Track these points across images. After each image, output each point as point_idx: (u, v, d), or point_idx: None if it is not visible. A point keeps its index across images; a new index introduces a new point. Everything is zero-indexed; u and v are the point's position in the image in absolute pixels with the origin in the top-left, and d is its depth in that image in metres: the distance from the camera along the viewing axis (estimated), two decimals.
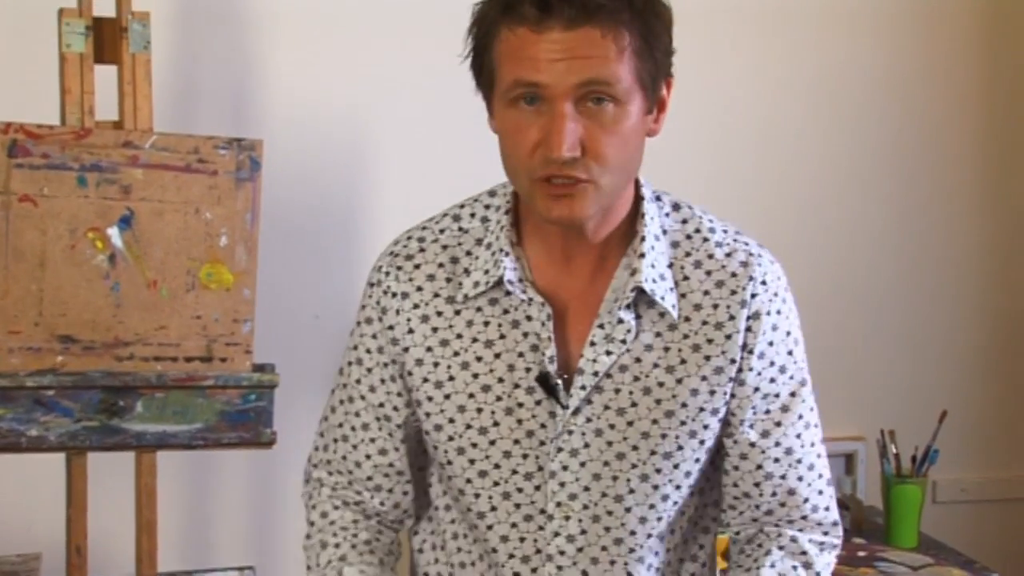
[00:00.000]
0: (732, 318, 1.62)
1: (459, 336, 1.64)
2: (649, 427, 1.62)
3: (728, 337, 1.62)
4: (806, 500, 1.70)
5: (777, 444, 1.67)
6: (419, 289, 1.66)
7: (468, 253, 1.65)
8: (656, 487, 1.64)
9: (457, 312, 1.64)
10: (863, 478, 2.97)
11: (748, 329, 1.62)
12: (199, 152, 2.27)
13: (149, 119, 2.29)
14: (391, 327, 1.67)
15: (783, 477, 1.68)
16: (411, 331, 1.66)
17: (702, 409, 1.63)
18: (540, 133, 1.49)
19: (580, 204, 1.51)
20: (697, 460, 1.65)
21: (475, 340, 1.63)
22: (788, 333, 1.67)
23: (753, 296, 1.63)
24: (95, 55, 2.28)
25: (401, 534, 1.80)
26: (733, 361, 1.62)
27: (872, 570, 2.61)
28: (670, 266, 1.63)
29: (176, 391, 2.28)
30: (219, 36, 2.64)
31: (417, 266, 1.67)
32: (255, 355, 2.30)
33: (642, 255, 1.60)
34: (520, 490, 1.64)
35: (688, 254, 1.64)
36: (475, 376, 1.63)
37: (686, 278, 1.63)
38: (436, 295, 1.65)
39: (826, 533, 1.73)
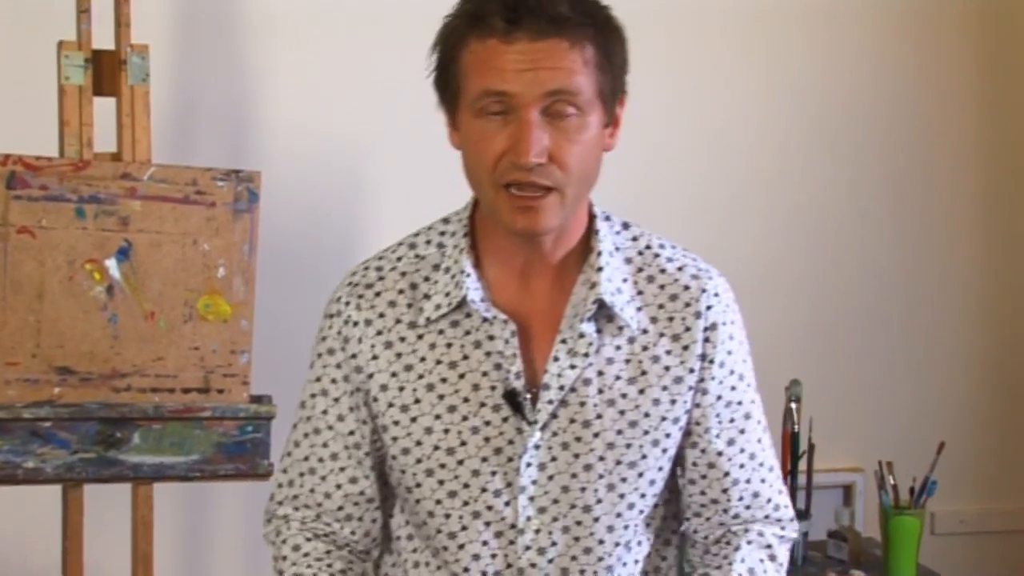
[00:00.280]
0: (688, 329, 1.67)
1: (423, 359, 1.67)
2: (614, 438, 1.66)
3: (685, 348, 1.67)
4: (769, 500, 1.76)
5: (742, 450, 1.73)
6: (381, 316, 1.69)
7: (426, 279, 1.69)
8: (622, 496, 1.67)
9: (420, 336, 1.67)
10: (861, 509, 2.96)
11: (707, 340, 1.68)
12: (197, 184, 2.28)
13: (147, 151, 2.30)
14: (354, 355, 1.70)
15: (748, 481, 1.74)
16: (375, 357, 1.69)
17: (664, 418, 1.67)
18: (507, 142, 1.54)
19: (545, 215, 1.56)
20: (660, 468, 1.70)
21: (439, 362, 1.67)
22: (741, 342, 1.73)
23: (708, 308, 1.69)
24: (94, 87, 2.29)
25: (368, 566, 1.81)
26: (692, 371, 1.68)
27: None
28: (625, 281, 1.68)
29: (173, 423, 2.28)
30: (217, 68, 2.65)
31: (377, 294, 1.70)
32: (252, 386, 2.30)
33: (600, 268, 1.65)
34: (490, 507, 1.67)
35: (641, 269, 1.69)
36: (440, 397, 1.66)
37: (640, 292, 1.68)
38: (398, 321, 1.69)
39: (784, 528, 1.78)
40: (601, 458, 1.65)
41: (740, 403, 1.72)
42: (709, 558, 1.76)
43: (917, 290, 3.05)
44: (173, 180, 2.27)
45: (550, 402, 1.64)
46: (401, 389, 1.68)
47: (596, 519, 1.67)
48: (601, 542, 1.68)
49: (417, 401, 1.67)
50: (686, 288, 1.69)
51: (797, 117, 2.95)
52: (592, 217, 1.69)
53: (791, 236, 2.97)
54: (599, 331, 1.65)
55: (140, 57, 2.32)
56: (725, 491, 1.73)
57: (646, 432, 1.67)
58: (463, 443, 1.65)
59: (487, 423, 1.65)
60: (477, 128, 1.56)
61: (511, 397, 1.64)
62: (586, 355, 1.64)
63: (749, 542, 1.74)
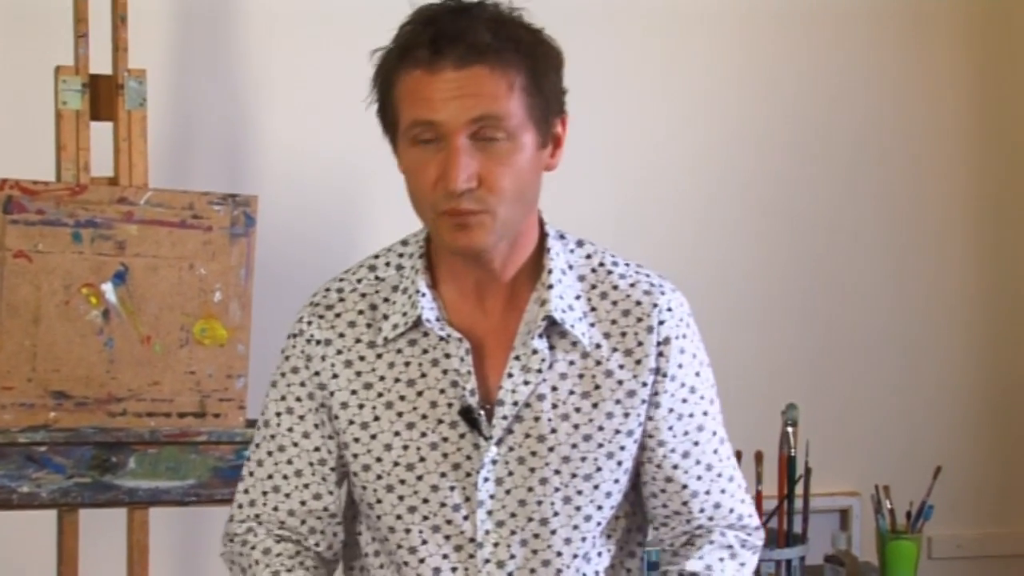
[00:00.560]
0: (640, 343, 1.71)
1: (382, 378, 1.71)
2: (569, 451, 1.69)
3: (638, 362, 1.71)
4: (731, 510, 1.80)
5: (698, 462, 1.76)
6: (341, 336, 1.73)
7: (386, 300, 1.73)
8: (579, 508, 1.71)
9: (379, 355, 1.71)
10: (858, 534, 2.96)
11: (660, 354, 1.71)
12: (194, 208, 2.28)
13: (144, 175, 2.30)
14: (317, 373, 1.74)
15: (708, 492, 1.77)
16: (335, 376, 1.73)
17: (618, 431, 1.71)
18: (439, 169, 1.59)
19: (479, 233, 1.60)
20: (616, 481, 1.72)
21: (397, 380, 1.70)
22: (695, 355, 1.76)
23: (661, 323, 1.72)
24: (91, 112, 2.29)
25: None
26: (644, 384, 1.71)
27: None
28: (578, 298, 1.71)
29: (169, 447, 2.27)
30: (214, 92, 2.65)
31: (338, 314, 1.74)
32: (248, 411, 2.30)
33: (550, 286, 1.69)
34: (449, 522, 1.70)
35: (594, 286, 1.73)
36: (399, 415, 1.70)
37: (594, 308, 1.72)
38: (358, 340, 1.72)
39: (749, 535, 1.82)
40: (557, 471, 1.69)
41: (692, 415, 1.75)
42: (674, 560, 1.80)
43: (913, 314, 3.06)
44: (170, 204, 2.27)
45: (505, 417, 1.67)
46: (361, 407, 1.71)
47: (553, 532, 1.70)
48: (559, 554, 1.71)
49: (376, 418, 1.71)
50: (638, 303, 1.72)
51: (793, 138, 2.96)
52: (544, 235, 1.73)
53: (787, 260, 2.97)
54: (552, 347, 1.69)
55: (137, 82, 2.32)
56: (686, 503, 1.77)
57: (600, 445, 1.70)
58: (422, 459, 1.69)
59: (445, 439, 1.69)
60: (412, 156, 1.62)
61: (466, 414, 1.67)
62: (539, 371, 1.68)
63: (711, 542, 1.78)
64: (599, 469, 1.70)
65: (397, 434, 1.70)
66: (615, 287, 1.73)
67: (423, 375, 1.70)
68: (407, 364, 1.70)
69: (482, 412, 1.67)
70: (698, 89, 2.92)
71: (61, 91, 2.27)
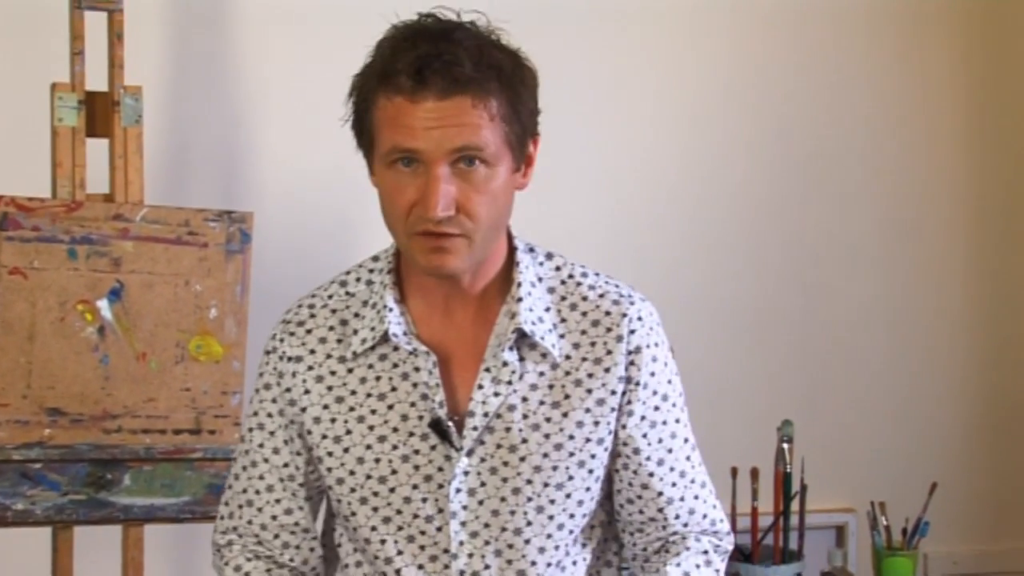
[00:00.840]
0: (610, 352, 1.73)
1: (353, 392, 1.74)
2: (541, 461, 1.71)
3: (607, 371, 1.73)
4: (705, 515, 1.83)
5: (672, 469, 1.79)
6: (312, 352, 1.76)
7: (356, 315, 1.76)
8: (551, 517, 1.73)
9: (349, 370, 1.74)
10: (854, 550, 2.95)
11: (631, 363, 1.74)
12: (189, 225, 2.28)
13: (140, 192, 2.31)
14: (288, 389, 1.77)
15: (682, 499, 1.80)
16: (307, 391, 1.75)
17: (588, 440, 1.73)
18: (416, 193, 1.61)
19: (454, 257, 1.63)
20: (588, 489, 1.75)
21: (368, 395, 1.73)
22: (666, 364, 1.79)
23: (632, 332, 1.74)
24: (87, 129, 2.30)
25: None
26: (614, 392, 1.73)
27: None
28: (547, 310, 1.74)
29: (164, 464, 2.27)
30: (210, 109, 2.65)
31: (309, 331, 1.77)
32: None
33: (520, 299, 1.72)
34: (423, 532, 1.72)
35: (564, 298, 1.76)
36: (371, 428, 1.72)
37: (564, 320, 1.74)
38: (328, 356, 1.75)
39: (721, 540, 1.85)
40: (529, 481, 1.71)
41: (666, 423, 1.78)
42: (648, 565, 1.83)
43: (909, 330, 3.06)
44: (165, 221, 2.28)
45: (475, 429, 1.70)
46: (333, 421, 1.74)
47: (527, 541, 1.72)
48: (533, 563, 1.73)
49: (349, 432, 1.73)
50: (607, 314, 1.74)
51: (788, 150, 2.96)
52: (513, 249, 1.76)
53: (783, 275, 2.97)
54: (522, 359, 1.72)
55: (133, 98, 2.33)
56: (661, 510, 1.79)
57: (571, 454, 1.72)
58: (394, 471, 1.71)
59: (416, 452, 1.71)
60: (390, 178, 1.64)
61: (436, 425, 1.70)
62: (509, 382, 1.70)
63: (687, 548, 1.80)
64: (571, 478, 1.73)
65: (369, 447, 1.72)
66: (584, 298, 1.76)
67: (393, 389, 1.72)
68: (377, 378, 1.73)
69: (451, 424, 1.70)
70: (695, 97, 2.91)
71: (57, 108, 2.28)
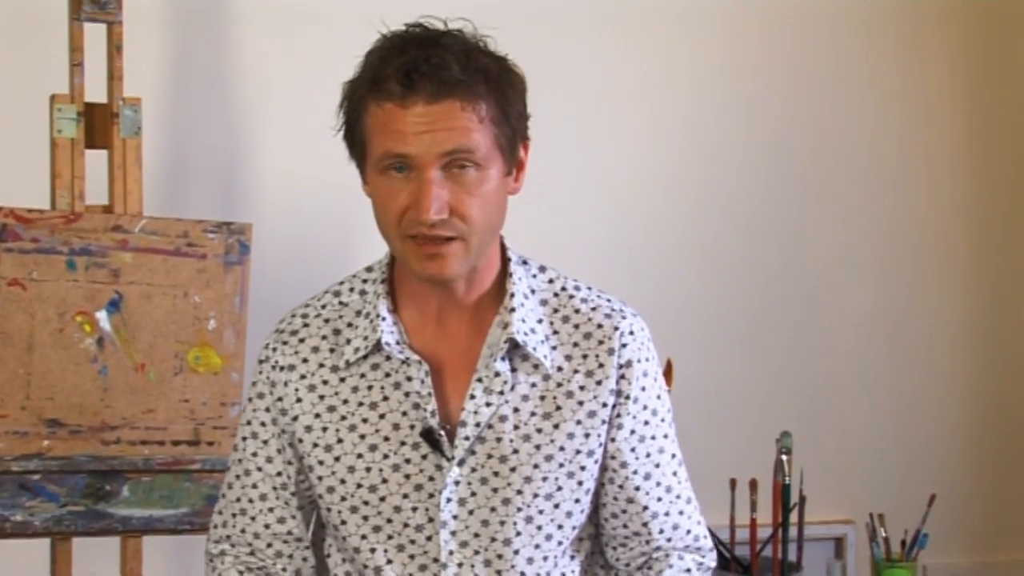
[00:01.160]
0: (601, 365, 1.74)
1: (345, 401, 1.75)
2: (531, 472, 1.72)
3: (599, 383, 1.74)
4: (689, 531, 1.84)
5: (658, 484, 1.80)
6: (305, 361, 1.77)
7: (349, 324, 1.77)
8: (540, 528, 1.74)
9: (342, 379, 1.75)
10: (853, 562, 2.95)
11: (622, 376, 1.75)
12: (188, 236, 2.29)
13: (139, 203, 2.31)
14: (280, 399, 1.78)
15: (667, 514, 1.81)
16: (299, 400, 1.76)
17: (578, 451, 1.74)
18: (409, 198, 1.63)
19: (450, 262, 1.65)
20: (577, 500, 1.76)
21: (360, 404, 1.74)
22: (656, 379, 1.80)
23: (623, 346, 1.76)
24: (86, 140, 2.30)
25: None
26: (605, 405, 1.74)
27: None
28: (540, 321, 1.75)
29: (163, 475, 2.27)
30: (209, 120, 2.66)
31: (302, 340, 1.78)
32: None
33: (513, 310, 1.72)
34: (413, 542, 1.73)
35: (556, 310, 1.77)
36: (362, 437, 1.73)
37: (556, 332, 1.76)
38: (321, 365, 1.76)
39: (703, 557, 1.86)
40: (519, 492, 1.72)
41: (654, 438, 1.79)
42: None
43: (909, 341, 3.06)
44: (164, 232, 2.28)
45: (467, 438, 1.70)
46: (324, 430, 1.75)
47: (516, 552, 1.73)
48: (522, 574, 1.74)
49: (340, 441, 1.74)
50: (599, 327, 1.76)
51: (786, 159, 2.96)
52: (507, 261, 1.77)
53: (781, 286, 2.97)
54: (514, 370, 1.73)
55: (132, 110, 2.33)
56: (646, 524, 1.80)
57: (561, 465, 1.73)
58: (384, 480, 1.72)
59: (407, 461, 1.72)
60: (382, 185, 1.65)
61: (428, 435, 1.70)
62: (501, 393, 1.71)
63: (670, 565, 1.81)
64: (560, 488, 1.73)
65: (360, 456, 1.73)
66: (577, 311, 1.77)
67: (385, 398, 1.73)
68: (369, 387, 1.74)
69: (443, 433, 1.70)
70: (691, 102, 2.92)
71: (56, 119, 2.28)
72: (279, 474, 1.79)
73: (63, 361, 2.22)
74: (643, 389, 1.77)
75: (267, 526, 1.80)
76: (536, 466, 1.72)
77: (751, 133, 2.95)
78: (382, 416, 1.73)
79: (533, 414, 1.73)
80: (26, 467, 2.20)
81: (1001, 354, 3.12)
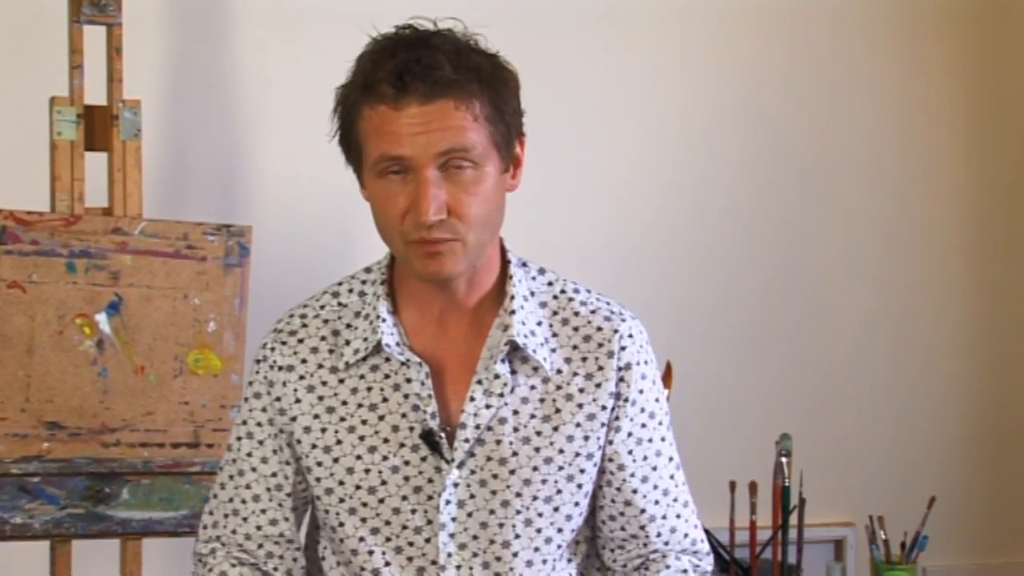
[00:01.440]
0: (601, 368, 1.74)
1: (344, 403, 1.74)
2: (530, 474, 1.72)
3: (598, 386, 1.74)
4: (686, 535, 1.84)
5: (655, 487, 1.79)
6: (303, 361, 1.76)
7: (348, 326, 1.76)
8: (539, 531, 1.74)
9: (341, 381, 1.75)
10: (852, 564, 2.95)
11: (621, 379, 1.75)
12: (188, 238, 2.29)
13: (139, 205, 2.31)
14: (278, 399, 1.77)
15: (664, 517, 1.81)
16: (298, 401, 1.76)
17: (578, 454, 1.74)
18: (408, 200, 1.63)
19: (450, 261, 1.65)
20: (576, 504, 1.76)
21: (359, 405, 1.73)
22: (654, 382, 1.80)
23: (622, 349, 1.76)
24: (86, 142, 2.30)
25: None
26: (604, 408, 1.74)
27: None
28: (539, 324, 1.75)
29: (162, 477, 2.27)
30: (209, 123, 2.66)
31: (300, 340, 1.77)
32: None
33: (513, 312, 1.72)
34: (411, 544, 1.73)
35: (555, 313, 1.77)
36: (361, 439, 1.73)
37: (555, 334, 1.76)
38: (320, 366, 1.76)
39: (700, 560, 1.86)
40: (518, 494, 1.72)
41: (652, 440, 1.79)
42: None
43: (908, 343, 3.06)
44: (164, 234, 2.28)
45: (466, 440, 1.70)
46: (323, 431, 1.74)
47: (515, 554, 1.73)
48: None
49: (339, 442, 1.73)
50: (599, 329, 1.76)
51: (786, 161, 2.96)
52: (506, 263, 1.77)
53: (781, 288, 2.97)
54: (514, 372, 1.73)
55: (132, 112, 2.33)
56: (643, 527, 1.80)
57: (560, 468, 1.73)
58: (383, 482, 1.72)
59: (407, 463, 1.72)
60: (380, 188, 1.65)
61: (428, 437, 1.70)
62: (501, 395, 1.71)
63: (667, 567, 1.81)
64: (559, 491, 1.73)
65: (359, 458, 1.72)
66: (576, 313, 1.77)
67: (385, 399, 1.73)
68: (369, 389, 1.73)
69: (443, 435, 1.70)
70: (690, 103, 2.92)
71: (56, 121, 2.28)
72: (274, 475, 1.79)
73: (63, 363, 2.22)
74: (641, 392, 1.77)
75: (259, 527, 1.80)
76: (535, 468, 1.72)
77: (750, 133, 2.95)
78: (381, 418, 1.72)
79: (533, 416, 1.72)
80: (26, 469, 2.20)
81: (1001, 355, 3.12)
